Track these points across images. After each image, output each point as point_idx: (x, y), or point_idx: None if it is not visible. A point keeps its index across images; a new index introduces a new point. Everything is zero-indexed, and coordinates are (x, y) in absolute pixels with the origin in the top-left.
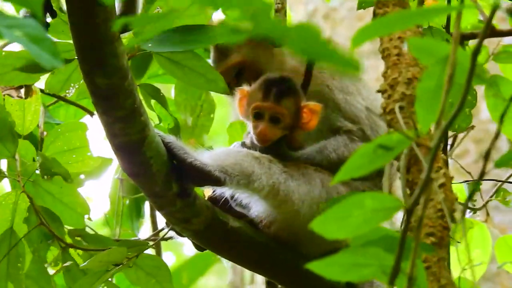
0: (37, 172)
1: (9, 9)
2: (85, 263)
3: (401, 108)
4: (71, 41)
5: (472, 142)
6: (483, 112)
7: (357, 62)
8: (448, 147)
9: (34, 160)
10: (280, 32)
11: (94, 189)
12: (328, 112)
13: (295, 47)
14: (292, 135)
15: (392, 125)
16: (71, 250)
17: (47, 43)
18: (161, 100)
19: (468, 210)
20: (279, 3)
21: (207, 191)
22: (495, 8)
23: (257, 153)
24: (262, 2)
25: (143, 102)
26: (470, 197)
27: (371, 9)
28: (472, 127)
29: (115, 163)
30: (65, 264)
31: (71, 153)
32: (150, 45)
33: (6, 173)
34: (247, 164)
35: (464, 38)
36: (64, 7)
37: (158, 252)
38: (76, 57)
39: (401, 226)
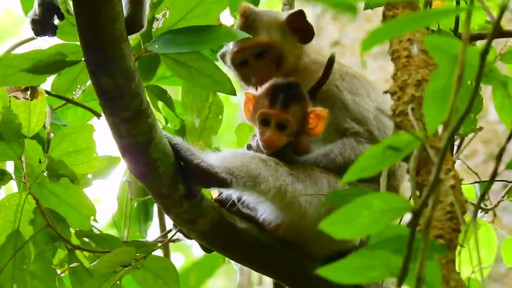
0: (43, 173)
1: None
2: (93, 264)
3: (411, 109)
4: (78, 43)
5: (481, 143)
6: (491, 113)
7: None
8: (455, 148)
9: (40, 162)
10: None
11: (102, 190)
12: (336, 112)
13: None
14: (298, 140)
15: (402, 127)
16: (78, 252)
17: None
18: (168, 101)
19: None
20: (286, 4)
21: (214, 193)
22: (503, 9)
23: (263, 156)
24: None
25: (150, 103)
26: (482, 198)
27: (379, 10)
28: (480, 128)
29: (123, 165)
30: (71, 266)
31: (77, 154)
32: (156, 46)
33: (13, 174)
34: (254, 166)
35: (472, 39)
36: (71, 9)
37: (166, 254)
38: (83, 59)
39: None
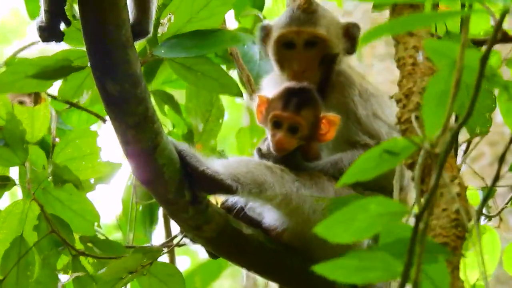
0: (48, 179)
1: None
2: (101, 271)
3: (416, 118)
4: (84, 48)
5: (487, 145)
6: (498, 115)
7: None
8: (461, 151)
9: (44, 168)
10: None
11: (106, 192)
12: (349, 124)
13: None
14: (309, 145)
15: (407, 135)
16: (82, 258)
17: None
18: (175, 106)
19: (482, 217)
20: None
21: (219, 198)
22: (504, 13)
23: (269, 163)
24: None
25: (157, 108)
26: (484, 204)
27: (386, 13)
28: (487, 130)
29: (128, 168)
30: (74, 275)
31: (81, 160)
32: (163, 51)
33: (17, 181)
34: (259, 173)
35: (477, 43)
36: (78, 14)
37: (172, 258)
38: (89, 64)
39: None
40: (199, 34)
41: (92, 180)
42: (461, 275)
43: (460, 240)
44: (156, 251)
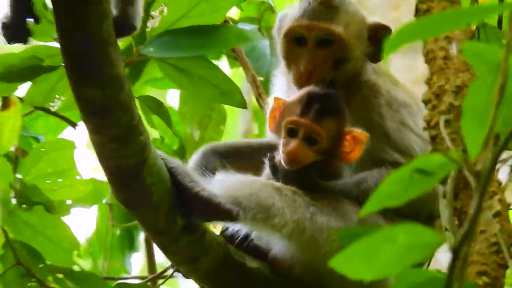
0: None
1: None
2: None
3: (447, 122)
4: (57, 45)
5: None
6: None
7: None
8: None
9: (11, 186)
10: None
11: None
12: (374, 140)
13: None
14: (327, 162)
15: (437, 143)
16: None
17: None
18: (164, 115)
19: None
20: None
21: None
22: None
23: (278, 184)
24: None
25: (143, 117)
26: None
27: None
28: None
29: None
30: None
31: (56, 176)
32: (152, 49)
33: None
34: (266, 195)
35: None
36: (50, 5)
37: None
38: (62, 64)
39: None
40: (196, 31)
41: (69, 202)
42: None
43: (502, 269)
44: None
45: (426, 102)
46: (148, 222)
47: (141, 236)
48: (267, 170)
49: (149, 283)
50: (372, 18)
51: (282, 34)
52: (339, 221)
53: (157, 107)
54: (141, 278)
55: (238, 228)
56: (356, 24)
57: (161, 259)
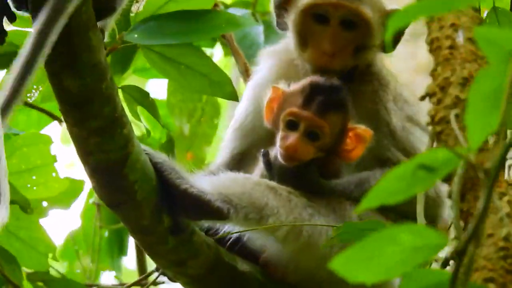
0: None
1: None
2: None
3: (456, 116)
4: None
5: None
6: None
7: None
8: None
9: None
10: None
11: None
12: (379, 137)
13: None
14: (326, 160)
15: (443, 139)
16: None
17: None
18: (151, 106)
19: None
20: None
21: None
22: None
23: (273, 183)
24: None
25: (126, 108)
26: None
27: None
28: None
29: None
30: None
31: (30, 173)
32: (136, 36)
33: None
34: (259, 194)
35: None
36: None
37: None
38: None
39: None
40: (184, 16)
41: (45, 204)
42: None
43: (510, 275)
44: None
45: (430, 95)
46: (132, 221)
47: (132, 239)
48: (260, 167)
49: None
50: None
51: (300, 9)
52: (338, 222)
53: (142, 98)
54: (121, 284)
55: (228, 228)
56: (379, 8)
57: (153, 264)
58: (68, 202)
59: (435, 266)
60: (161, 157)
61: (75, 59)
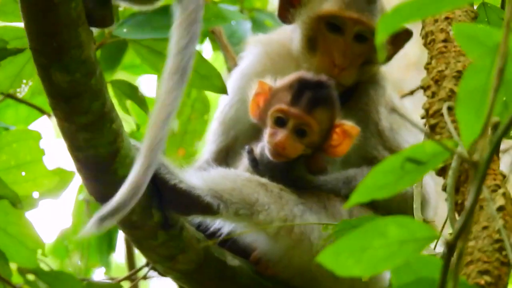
0: None
1: None
2: None
3: (449, 109)
4: (22, 25)
5: None
6: None
7: None
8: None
9: None
10: None
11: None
12: (367, 136)
13: None
14: (314, 156)
15: (438, 132)
16: None
17: None
18: (140, 101)
19: None
20: None
21: None
22: None
23: (263, 179)
24: None
25: (116, 103)
26: None
27: None
28: None
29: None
30: None
31: (19, 169)
32: (125, 30)
33: None
34: (250, 190)
35: None
36: None
37: None
38: (28, 47)
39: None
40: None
41: (36, 195)
42: None
43: (505, 267)
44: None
45: (425, 88)
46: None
47: (121, 235)
48: (245, 163)
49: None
50: None
51: (316, 14)
52: (330, 219)
53: (132, 92)
54: (111, 279)
55: (218, 224)
56: None
57: (142, 260)
58: (58, 193)
59: None
60: None
61: (65, 54)
